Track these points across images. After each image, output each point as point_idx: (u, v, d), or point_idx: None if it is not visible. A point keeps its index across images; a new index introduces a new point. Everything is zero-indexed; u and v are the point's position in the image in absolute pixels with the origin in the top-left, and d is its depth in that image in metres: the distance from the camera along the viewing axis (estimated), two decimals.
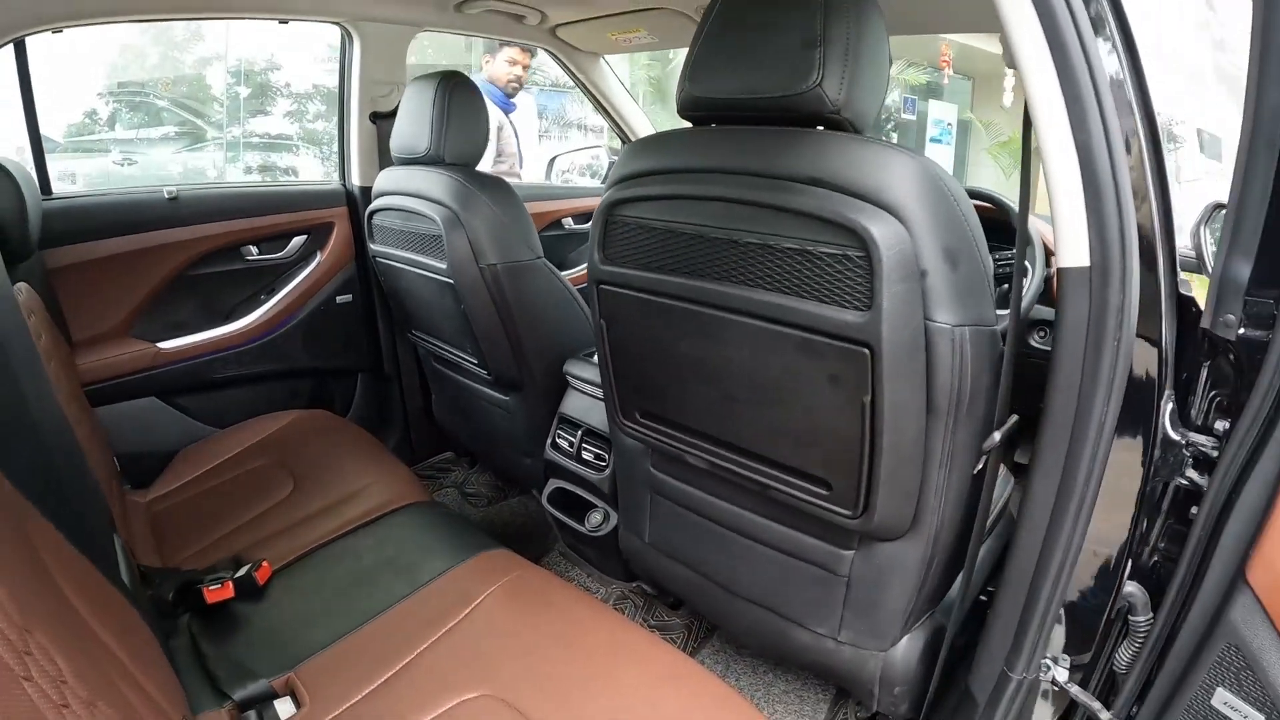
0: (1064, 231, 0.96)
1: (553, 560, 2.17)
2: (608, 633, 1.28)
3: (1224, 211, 0.97)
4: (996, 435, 1.11)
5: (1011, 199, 1.92)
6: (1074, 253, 0.96)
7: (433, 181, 1.94)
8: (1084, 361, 0.98)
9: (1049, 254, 2.09)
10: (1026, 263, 2.04)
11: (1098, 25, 0.92)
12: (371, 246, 2.27)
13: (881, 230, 1.00)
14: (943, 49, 9.55)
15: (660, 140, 1.35)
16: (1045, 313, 2.16)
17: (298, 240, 2.46)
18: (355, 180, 2.53)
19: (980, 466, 1.16)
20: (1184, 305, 1.02)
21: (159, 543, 1.67)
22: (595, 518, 1.87)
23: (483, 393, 2.20)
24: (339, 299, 2.53)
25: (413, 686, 1.18)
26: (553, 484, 2.01)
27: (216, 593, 1.38)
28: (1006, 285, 1.94)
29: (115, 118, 6.48)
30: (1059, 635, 1.16)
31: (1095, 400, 0.98)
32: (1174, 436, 1.03)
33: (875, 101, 1.13)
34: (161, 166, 6.37)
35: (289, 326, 2.46)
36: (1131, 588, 1.12)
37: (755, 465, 1.29)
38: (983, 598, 1.46)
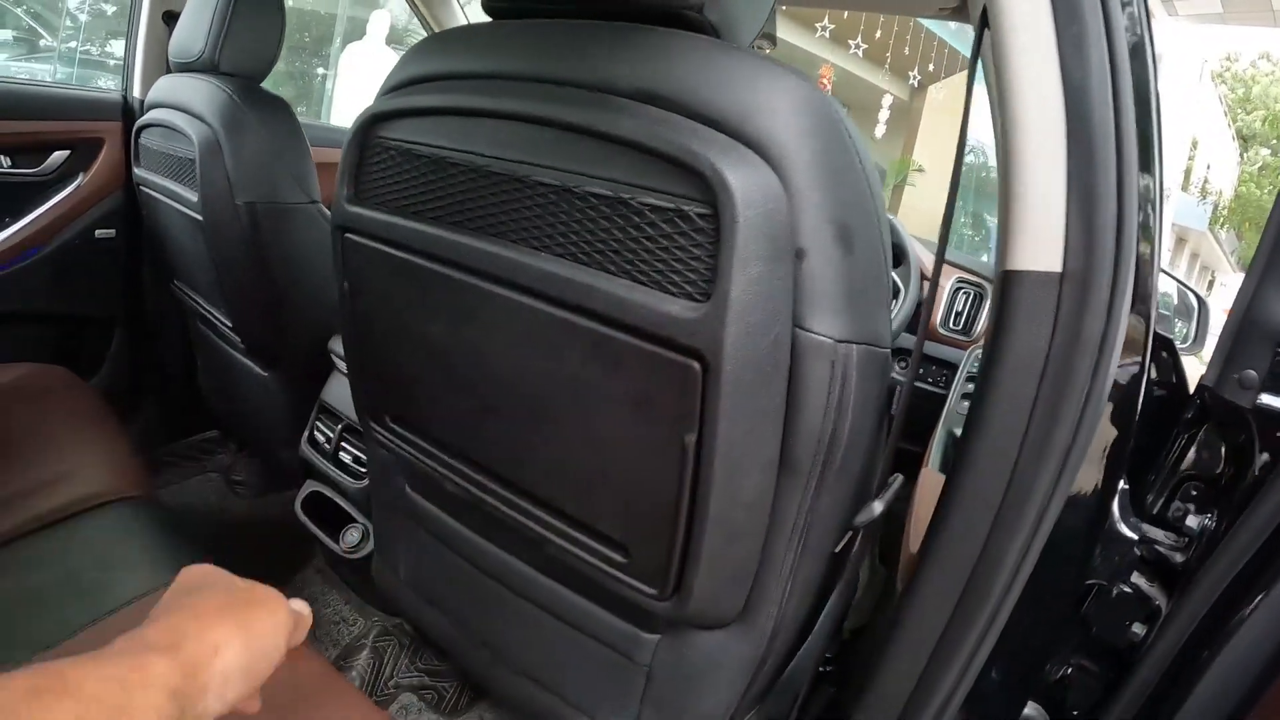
0: (1023, 210, 0.56)
1: (308, 577, 1.65)
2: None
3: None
4: (877, 505, 0.71)
5: None
6: (1034, 248, 0.56)
7: (199, 92, 1.41)
8: (1030, 418, 0.59)
9: (923, 277, 1.78)
10: (897, 279, 1.70)
11: None
12: (136, 171, 1.71)
13: (741, 176, 0.56)
14: (824, 71, 9.38)
15: (449, 38, 0.86)
16: (906, 342, 1.85)
17: (58, 155, 1.82)
18: (137, 92, 1.89)
19: (843, 544, 0.76)
20: (1158, 346, 0.65)
21: None
22: (352, 535, 1.37)
23: (243, 364, 1.64)
24: (99, 233, 1.88)
25: None
26: (309, 486, 1.48)
27: None
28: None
29: None
30: None
31: (1039, 475, 0.59)
32: (1124, 531, 0.67)
33: (756, 7, 0.71)
34: None
35: (33, 259, 1.80)
36: (1031, 711, 0.76)
37: (525, 507, 0.83)
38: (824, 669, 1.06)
